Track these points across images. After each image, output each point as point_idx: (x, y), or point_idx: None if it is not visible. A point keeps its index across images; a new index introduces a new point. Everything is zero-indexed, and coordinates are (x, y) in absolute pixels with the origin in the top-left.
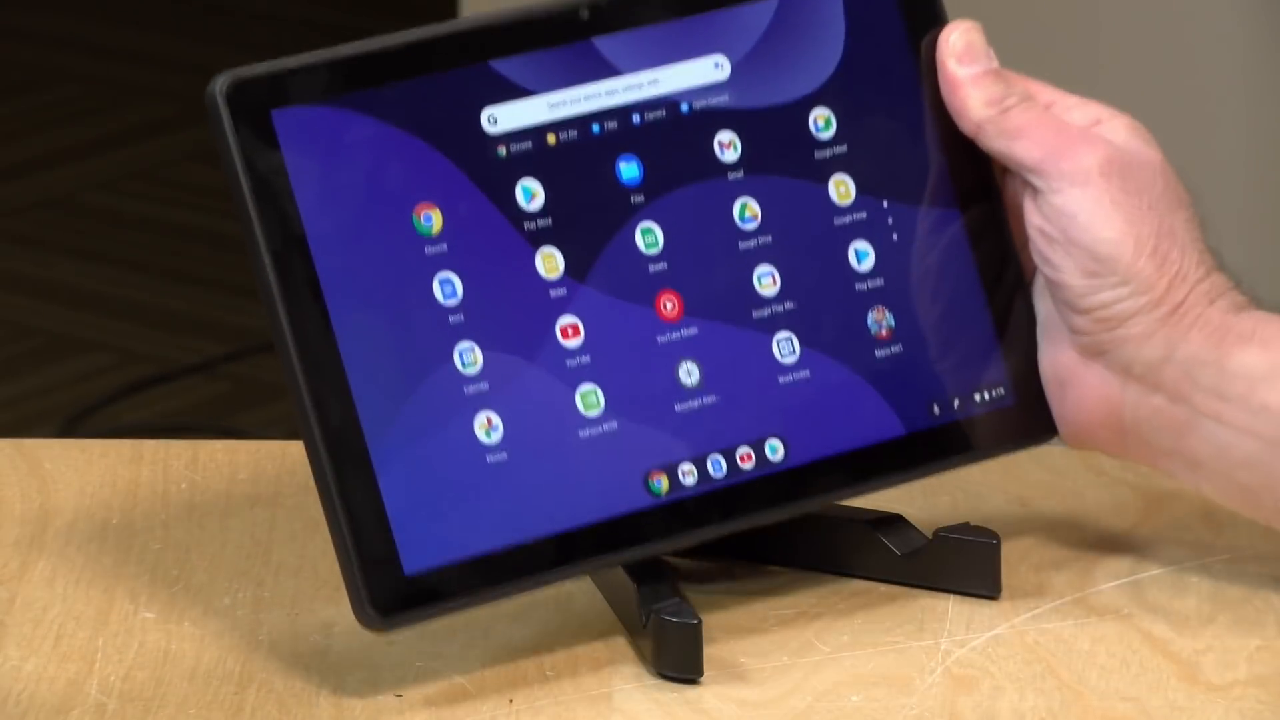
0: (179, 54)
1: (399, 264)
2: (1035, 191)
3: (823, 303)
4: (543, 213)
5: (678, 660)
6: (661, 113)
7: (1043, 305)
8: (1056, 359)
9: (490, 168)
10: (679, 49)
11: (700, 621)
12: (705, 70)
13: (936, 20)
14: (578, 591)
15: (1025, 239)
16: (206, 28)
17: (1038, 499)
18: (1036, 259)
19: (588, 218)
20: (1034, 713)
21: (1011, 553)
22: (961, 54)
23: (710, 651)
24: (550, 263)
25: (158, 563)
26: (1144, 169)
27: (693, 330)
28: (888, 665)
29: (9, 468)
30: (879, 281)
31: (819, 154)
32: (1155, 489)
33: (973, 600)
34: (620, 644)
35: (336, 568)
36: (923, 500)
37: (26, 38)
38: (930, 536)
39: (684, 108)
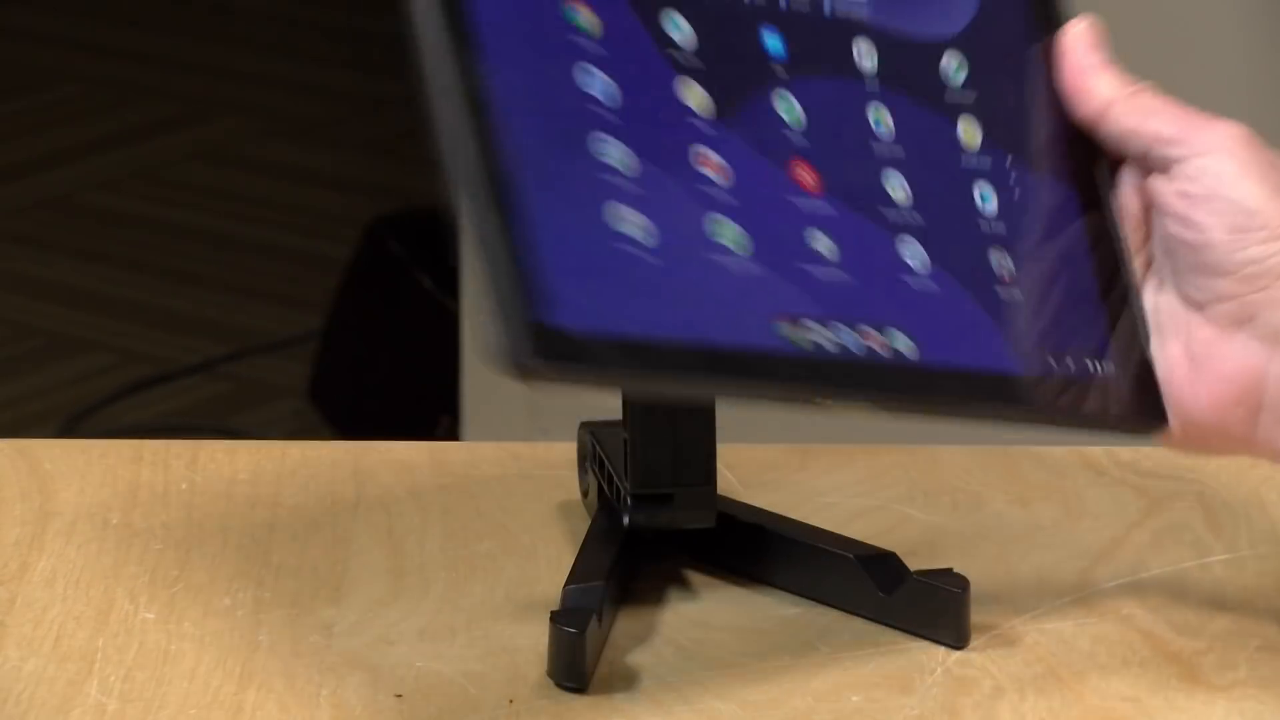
0: (179, 54)
1: (553, 49)
2: (1172, 162)
3: (951, 228)
4: (687, 48)
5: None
6: (806, 6)
7: (1164, 297)
8: (1191, 339)
9: None
10: None
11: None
12: None
13: (1059, 12)
14: None
15: (1140, 243)
16: (206, 28)
17: (1038, 499)
18: (1175, 228)
19: (732, 68)
20: (1034, 713)
21: (1012, 553)
22: (1094, 42)
23: (711, 651)
24: (694, 93)
25: (158, 563)
26: (1268, 151)
27: (829, 209)
28: (888, 665)
29: (9, 468)
30: (1001, 227)
31: (949, 97)
32: (1155, 489)
33: (973, 600)
34: (620, 644)
35: (336, 568)
36: (924, 500)
37: (26, 38)
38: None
39: (826, 8)
